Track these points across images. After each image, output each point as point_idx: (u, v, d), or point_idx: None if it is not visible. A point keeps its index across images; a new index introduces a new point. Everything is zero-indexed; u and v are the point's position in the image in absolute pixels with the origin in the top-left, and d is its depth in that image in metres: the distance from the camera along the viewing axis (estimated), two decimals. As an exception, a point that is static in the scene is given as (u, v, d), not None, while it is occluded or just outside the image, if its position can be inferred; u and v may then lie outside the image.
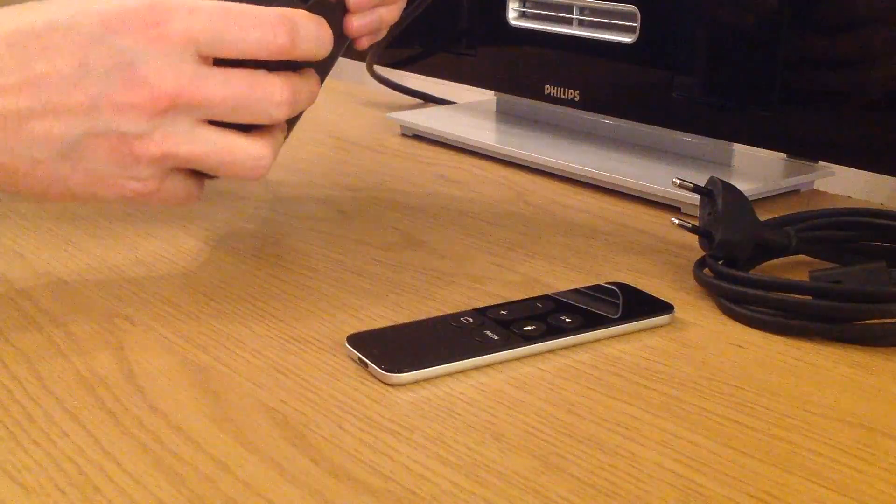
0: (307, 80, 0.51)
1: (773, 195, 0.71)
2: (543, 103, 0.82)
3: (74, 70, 0.46)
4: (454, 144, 0.84)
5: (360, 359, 0.44)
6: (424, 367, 0.43)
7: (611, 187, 0.72)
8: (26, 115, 0.46)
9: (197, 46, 0.47)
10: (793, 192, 0.73)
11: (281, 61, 0.49)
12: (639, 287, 0.52)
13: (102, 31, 0.46)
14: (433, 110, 0.94)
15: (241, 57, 0.48)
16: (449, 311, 0.49)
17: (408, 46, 0.93)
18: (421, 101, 1.02)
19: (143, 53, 0.47)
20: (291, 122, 0.55)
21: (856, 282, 0.48)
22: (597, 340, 0.47)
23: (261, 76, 0.49)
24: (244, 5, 0.48)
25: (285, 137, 0.53)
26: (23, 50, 0.46)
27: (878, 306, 0.47)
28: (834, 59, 0.64)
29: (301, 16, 0.49)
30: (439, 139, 0.86)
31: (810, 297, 0.48)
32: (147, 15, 0.47)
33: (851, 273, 0.48)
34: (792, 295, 0.49)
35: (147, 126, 0.47)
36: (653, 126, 0.77)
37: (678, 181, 0.55)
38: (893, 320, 0.47)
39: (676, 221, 0.56)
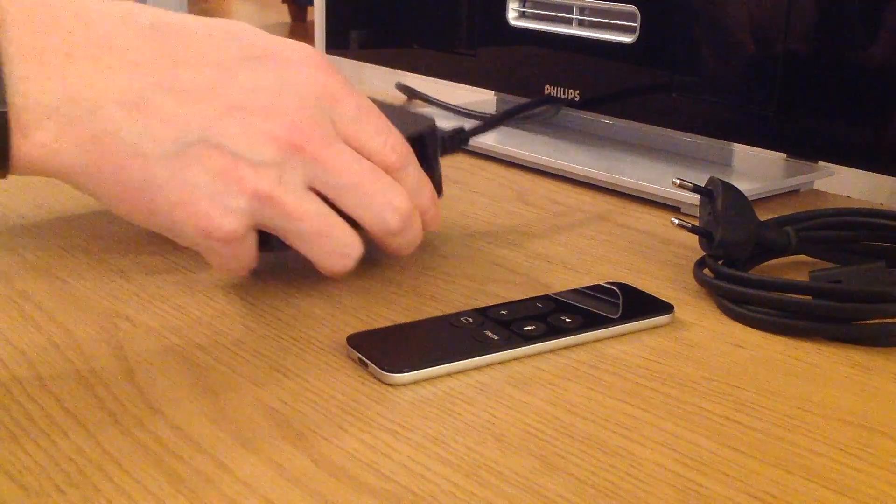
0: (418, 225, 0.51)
1: (773, 195, 0.71)
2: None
3: (221, 74, 0.45)
4: (454, 144, 0.84)
5: (360, 359, 0.44)
6: (424, 367, 0.43)
7: (611, 187, 0.72)
8: (153, 93, 0.44)
9: (336, 124, 0.47)
10: (793, 192, 0.73)
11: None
12: (639, 287, 0.52)
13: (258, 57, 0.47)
14: (433, 110, 0.94)
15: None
16: (449, 311, 0.49)
17: (407, 47, 0.93)
18: (423, 102, 1.02)
19: (294, 91, 0.46)
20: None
21: (856, 282, 0.48)
22: (597, 340, 0.47)
23: (390, 181, 0.49)
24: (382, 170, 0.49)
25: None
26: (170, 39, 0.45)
27: (878, 306, 0.47)
28: (834, 58, 0.64)
29: (415, 216, 0.50)
30: (439, 139, 0.86)
31: (810, 297, 0.48)
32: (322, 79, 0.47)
33: (851, 273, 0.48)
34: (792, 295, 0.49)
35: (269, 157, 0.45)
36: (653, 126, 0.77)
37: (678, 181, 0.55)
38: (893, 320, 0.47)
39: (676, 221, 0.56)
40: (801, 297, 0.49)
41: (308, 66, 0.47)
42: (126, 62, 0.44)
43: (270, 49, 0.47)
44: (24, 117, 0.42)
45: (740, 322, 0.50)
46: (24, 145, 0.42)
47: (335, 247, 0.48)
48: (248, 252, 0.48)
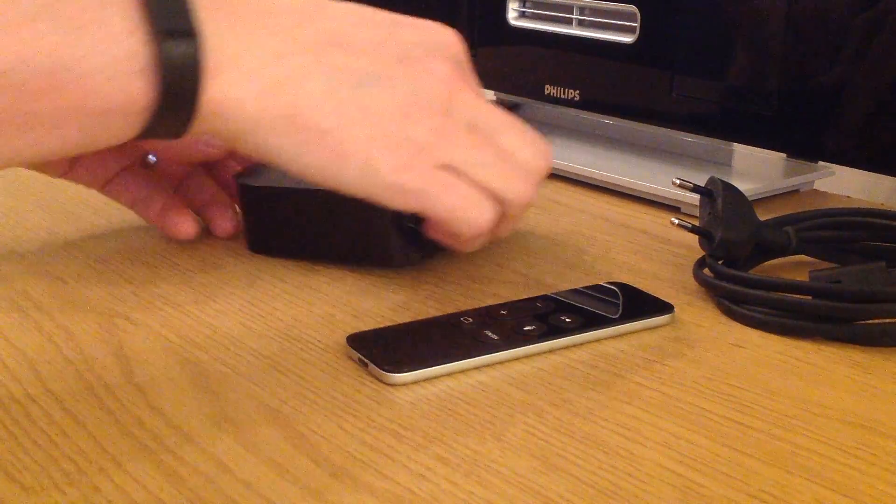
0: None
1: (773, 195, 0.71)
2: (543, 103, 0.82)
3: (381, 32, 0.47)
4: (454, 144, 0.84)
5: (360, 359, 0.44)
6: (424, 367, 0.43)
7: (611, 187, 0.72)
8: (326, 45, 0.45)
9: (470, 113, 0.48)
10: (793, 192, 0.73)
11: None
12: (639, 287, 0.52)
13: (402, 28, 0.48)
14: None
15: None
16: (449, 311, 0.49)
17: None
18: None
19: (443, 47, 0.48)
20: None
21: (856, 282, 0.48)
22: (597, 340, 0.47)
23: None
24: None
25: None
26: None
27: (878, 306, 0.47)
28: (834, 58, 0.64)
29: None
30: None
31: (810, 297, 0.48)
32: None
33: (851, 273, 0.48)
34: (792, 295, 0.49)
35: (438, 97, 0.47)
36: (653, 126, 0.77)
37: (678, 181, 0.55)
38: (893, 320, 0.47)
39: (676, 221, 0.56)
40: (801, 297, 0.49)
41: (447, 32, 0.50)
42: (296, 21, 0.45)
43: (410, 19, 0.49)
44: (213, 59, 0.42)
45: (740, 322, 0.50)
46: (210, 88, 0.42)
47: (522, 169, 0.49)
48: (469, 196, 0.47)
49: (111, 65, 0.40)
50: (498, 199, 0.48)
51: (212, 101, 0.42)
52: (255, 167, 0.59)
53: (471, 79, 0.50)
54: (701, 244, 0.56)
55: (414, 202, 0.46)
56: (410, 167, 0.46)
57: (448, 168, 0.47)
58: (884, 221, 0.56)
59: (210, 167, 0.63)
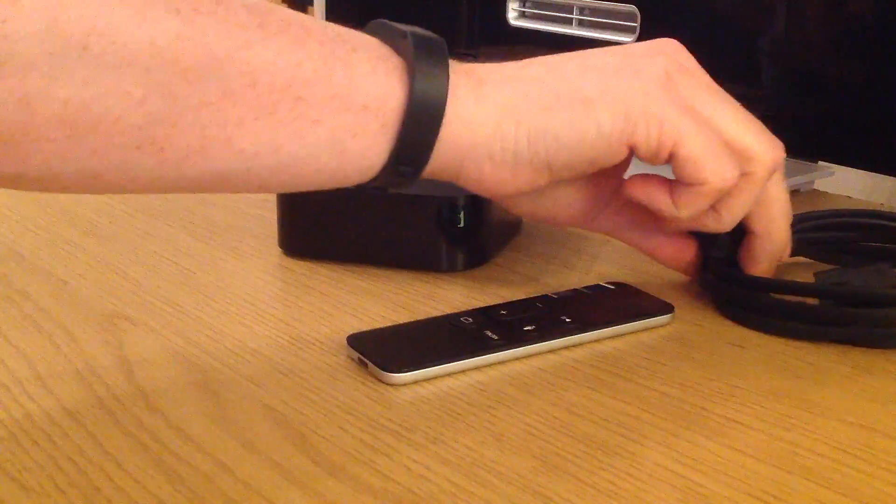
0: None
1: (773, 195, 0.71)
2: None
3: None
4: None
5: (360, 359, 0.44)
6: (424, 367, 0.43)
7: (611, 187, 0.72)
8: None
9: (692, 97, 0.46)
10: (793, 192, 0.73)
11: None
12: (639, 287, 0.52)
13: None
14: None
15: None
16: (449, 311, 0.49)
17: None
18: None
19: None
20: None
21: (861, 283, 0.48)
22: (597, 340, 0.47)
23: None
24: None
25: None
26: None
27: (884, 310, 0.47)
28: (834, 58, 0.64)
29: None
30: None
31: (813, 298, 0.48)
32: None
33: (856, 274, 0.48)
34: (792, 295, 0.49)
35: (658, 62, 0.46)
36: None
37: (678, 181, 0.55)
38: (893, 320, 0.47)
39: (676, 221, 0.55)
40: (801, 298, 0.48)
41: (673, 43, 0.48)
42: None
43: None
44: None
45: (740, 322, 0.50)
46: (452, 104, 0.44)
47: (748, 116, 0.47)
48: (711, 139, 0.45)
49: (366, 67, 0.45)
50: (743, 156, 0.46)
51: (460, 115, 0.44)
52: None
53: (696, 68, 0.47)
54: (701, 244, 0.56)
55: (668, 131, 0.44)
56: (657, 95, 0.44)
57: (693, 109, 0.45)
58: (884, 222, 0.56)
59: None
